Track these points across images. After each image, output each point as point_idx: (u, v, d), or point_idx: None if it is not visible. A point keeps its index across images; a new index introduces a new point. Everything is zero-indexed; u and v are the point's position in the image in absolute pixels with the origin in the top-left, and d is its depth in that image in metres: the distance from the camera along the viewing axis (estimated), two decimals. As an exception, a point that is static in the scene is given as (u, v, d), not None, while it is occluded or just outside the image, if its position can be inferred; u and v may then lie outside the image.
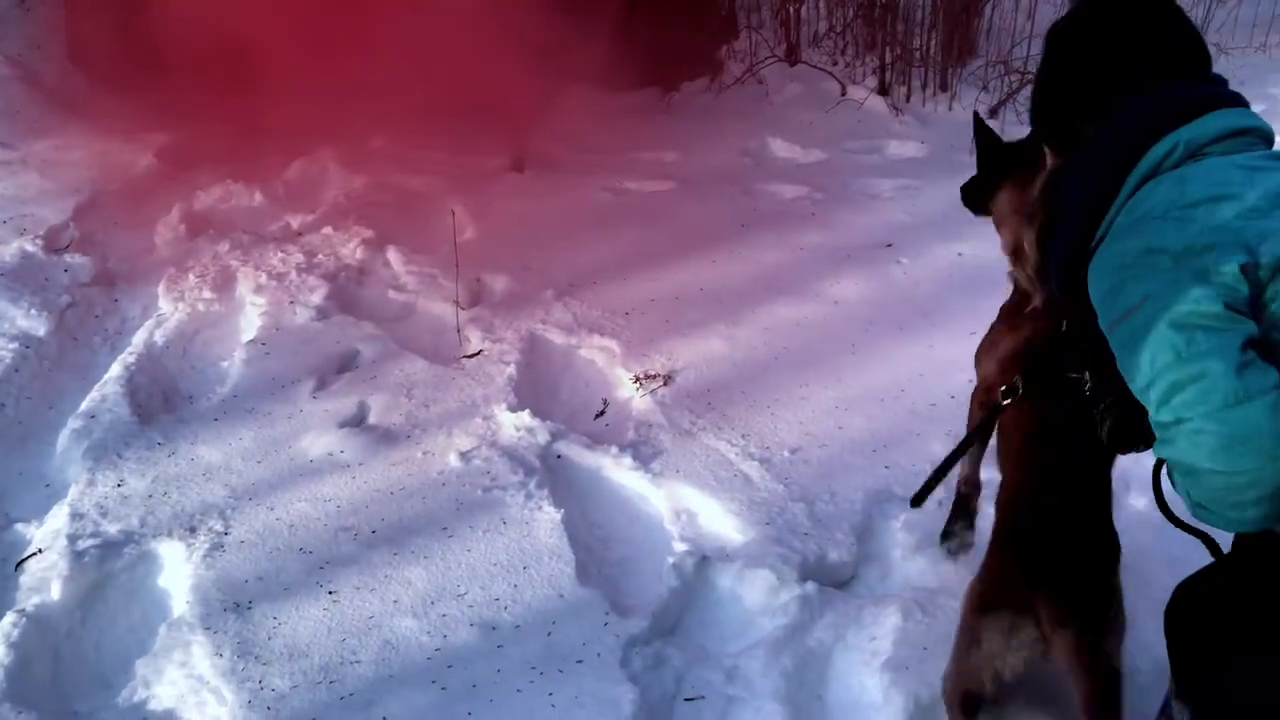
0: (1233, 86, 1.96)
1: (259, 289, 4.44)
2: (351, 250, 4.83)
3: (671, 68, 7.03)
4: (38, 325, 4.06)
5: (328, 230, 5.02)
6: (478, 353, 4.10)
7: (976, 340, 4.01)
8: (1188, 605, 1.91)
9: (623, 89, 6.90)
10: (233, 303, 4.43)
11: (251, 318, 4.28)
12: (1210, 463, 1.65)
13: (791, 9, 7.21)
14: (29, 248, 4.51)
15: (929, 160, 6.04)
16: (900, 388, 3.84)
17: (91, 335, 4.25)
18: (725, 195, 5.55)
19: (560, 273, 4.66)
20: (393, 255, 4.83)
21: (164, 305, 4.38)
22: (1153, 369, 1.71)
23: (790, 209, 5.44)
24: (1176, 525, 2.04)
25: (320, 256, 4.75)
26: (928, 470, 3.31)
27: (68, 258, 4.57)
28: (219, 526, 3.16)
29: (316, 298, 4.39)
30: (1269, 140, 1.88)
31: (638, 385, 3.90)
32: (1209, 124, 1.83)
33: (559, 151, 6.07)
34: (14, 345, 3.91)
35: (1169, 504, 2.01)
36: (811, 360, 4.00)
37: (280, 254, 4.75)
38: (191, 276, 4.57)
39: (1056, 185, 2.01)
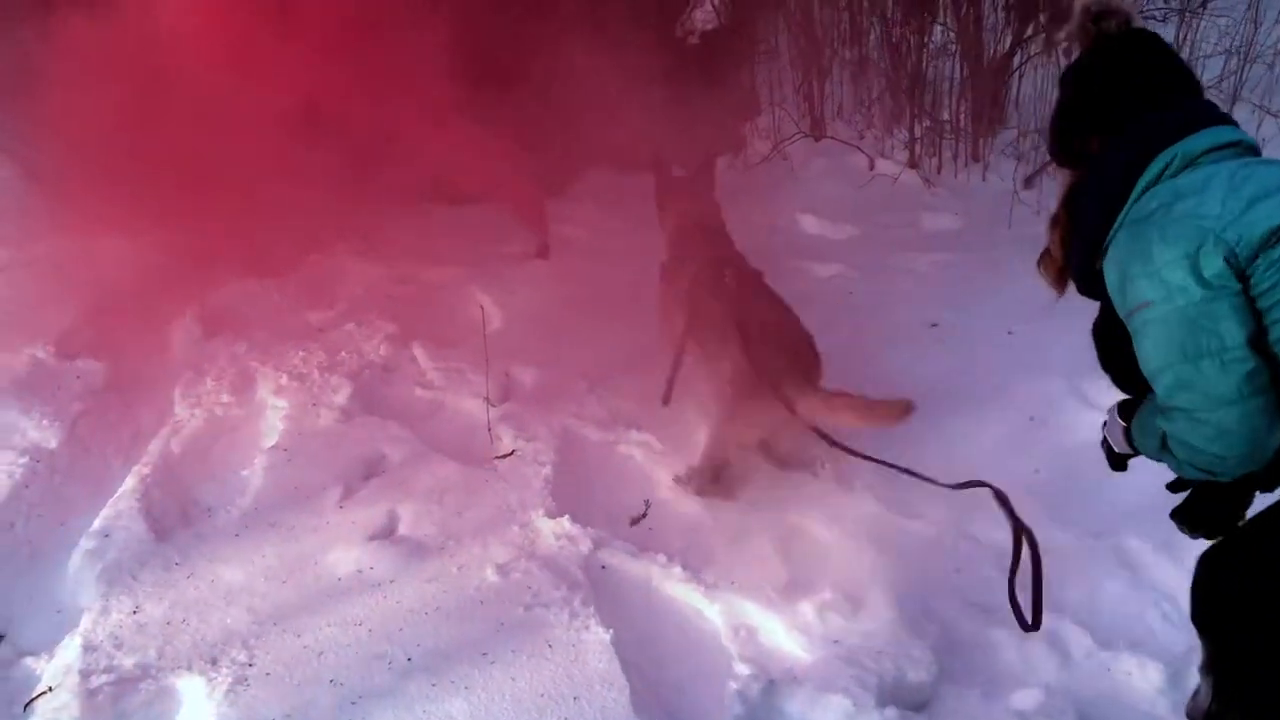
0: None
1: (279, 390, 4.25)
2: (375, 346, 4.63)
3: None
4: (49, 437, 3.87)
5: (349, 326, 4.82)
6: (511, 453, 3.88)
7: (1036, 426, 3.85)
8: (1221, 587, 2.26)
9: (644, 170, 6.75)
10: (252, 406, 4.22)
11: (272, 421, 4.07)
12: (1205, 445, 2.07)
13: (815, 84, 7.08)
14: (39, 354, 4.33)
15: (965, 232, 5.84)
16: (958, 479, 3.60)
17: (105, 445, 4.04)
18: (758, 275, 5.35)
19: (591, 362, 4.46)
20: (418, 350, 4.62)
21: (180, 411, 4.17)
22: (1161, 360, 2.09)
23: (826, 287, 5.25)
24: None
25: (343, 354, 4.55)
26: (1001, 574, 3.13)
27: (79, 363, 4.38)
28: (242, 657, 2.93)
29: (340, 398, 4.19)
30: (1255, 151, 2.24)
31: (681, 484, 3.68)
32: (1202, 139, 2.18)
33: (582, 235, 5.91)
34: (24, 460, 3.73)
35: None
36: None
37: (301, 353, 4.55)
38: (209, 380, 4.36)
39: (1078, 193, 2.36)
